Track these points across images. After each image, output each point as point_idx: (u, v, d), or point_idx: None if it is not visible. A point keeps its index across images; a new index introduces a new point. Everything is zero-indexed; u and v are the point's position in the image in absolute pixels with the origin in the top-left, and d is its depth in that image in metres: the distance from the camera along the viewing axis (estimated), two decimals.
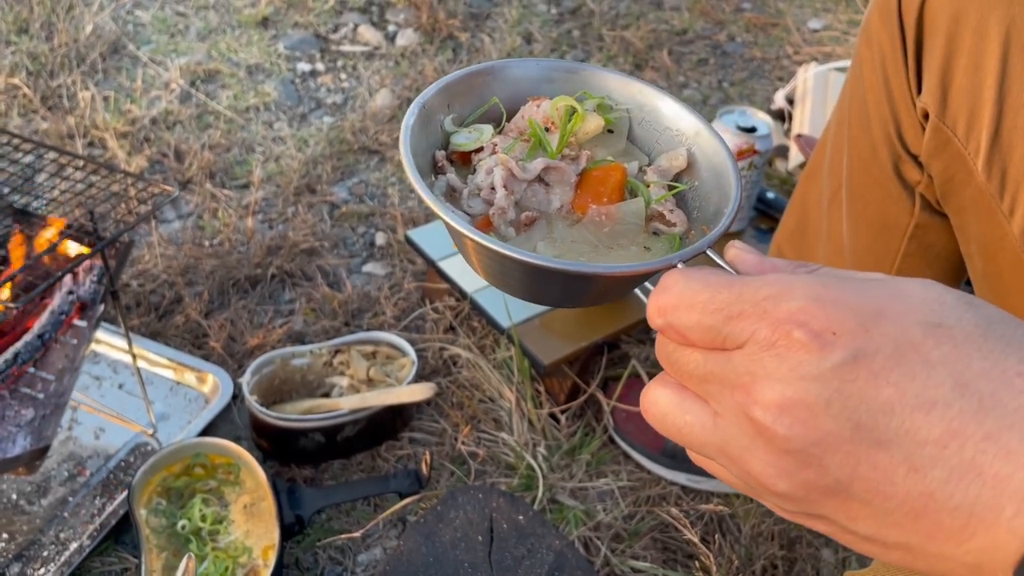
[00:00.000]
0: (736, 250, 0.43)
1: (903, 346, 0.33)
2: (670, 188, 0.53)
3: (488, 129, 0.55)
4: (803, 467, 0.34)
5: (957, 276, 1.02)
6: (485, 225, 0.51)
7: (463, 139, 0.55)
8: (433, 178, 0.53)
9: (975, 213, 0.86)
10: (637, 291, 1.28)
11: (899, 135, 0.91)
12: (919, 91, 0.87)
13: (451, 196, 0.53)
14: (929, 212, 0.95)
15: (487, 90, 0.56)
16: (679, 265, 0.43)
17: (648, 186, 0.53)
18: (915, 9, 0.84)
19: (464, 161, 0.55)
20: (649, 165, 0.55)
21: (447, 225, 0.47)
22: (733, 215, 0.49)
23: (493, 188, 0.51)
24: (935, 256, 0.98)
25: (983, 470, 0.32)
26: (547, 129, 0.54)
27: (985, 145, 0.80)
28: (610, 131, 0.55)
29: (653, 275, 0.44)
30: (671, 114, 0.56)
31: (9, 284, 0.97)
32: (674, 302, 0.38)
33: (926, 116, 0.86)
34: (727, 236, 0.47)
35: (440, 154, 0.55)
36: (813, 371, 0.33)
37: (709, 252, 0.45)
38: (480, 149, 0.54)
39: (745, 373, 0.35)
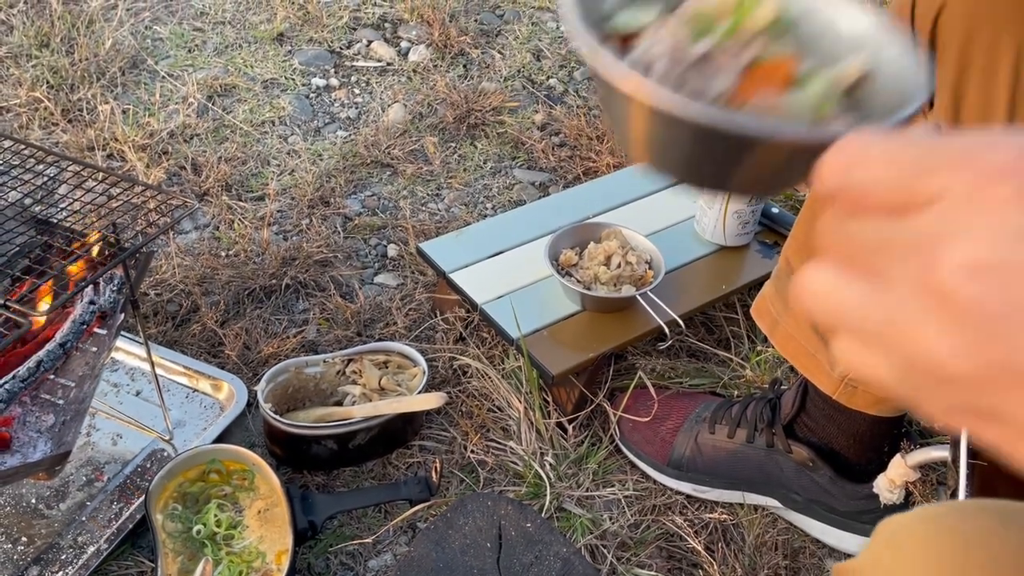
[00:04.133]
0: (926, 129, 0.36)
1: None
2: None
3: (654, 11, 0.49)
4: (991, 342, 0.28)
5: None
6: None
7: (625, 19, 0.49)
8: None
9: None
10: (643, 300, 1.30)
11: None
12: (931, 106, 0.89)
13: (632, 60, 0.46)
14: None
15: None
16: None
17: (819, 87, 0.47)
18: (928, 25, 0.86)
19: (626, 45, 0.48)
20: (822, 70, 0.48)
21: (602, 79, 0.41)
22: (929, 94, 0.42)
23: (660, 52, 0.45)
24: None
25: None
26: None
27: None
28: (784, 27, 0.49)
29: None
30: (850, 19, 0.49)
31: (32, 296, 1.00)
32: (858, 156, 0.32)
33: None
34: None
35: (595, 36, 0.47)
36: (1018, 230, 0.27)
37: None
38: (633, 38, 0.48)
39: (933, 235, 0.29)
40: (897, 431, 1.18)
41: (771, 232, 1.52)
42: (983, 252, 0.28)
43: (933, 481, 1.20)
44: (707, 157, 0.42)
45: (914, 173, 0.30)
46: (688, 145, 0.42)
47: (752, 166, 0.43)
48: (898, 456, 1.10)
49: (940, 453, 1.05)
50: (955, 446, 0.86)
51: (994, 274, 0.27)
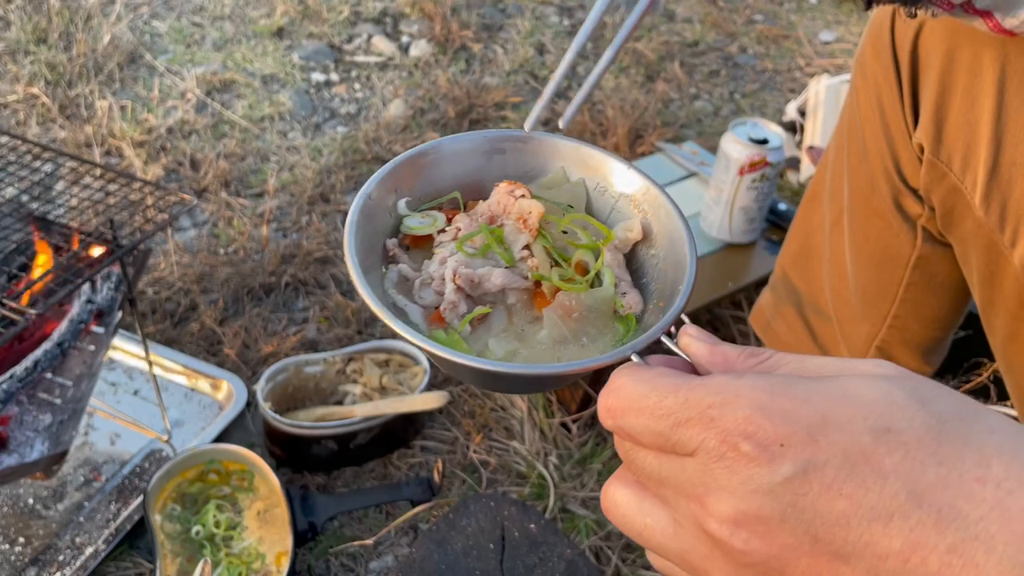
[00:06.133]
0: (689, 338, 0.42)
1: (853, 456, 0.32)
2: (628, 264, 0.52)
3: (441, 217, 0.53)
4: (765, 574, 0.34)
5: (962, 303, 1.01)
6: (438, 319, 0.49)
7: (416, 223, 0.53)
8: (384, 269, 0.51)
9: (976, 245, 0.85)
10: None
11: (898, 169, 0.91)
12: (915, 125, 0.87)
13: (404, 286, 0.51)
14: (932, 243, 0.95)
15: (436, 170, 0.54)
16: (633, 357, 0.43)
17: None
18: (908, 44, 0.84)
19: (417, 245, 0.53)
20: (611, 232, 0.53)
21: (390, 329, 0.45)
22: (687, 296, 0.47)
23: (445, 279, 0.50)
24: (939, 285, 0.98)
25: None
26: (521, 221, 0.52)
27: (983, 180, 0.80)
28: (570, 206, 0.54)
29: (607, 367, 0.43)
30: (624, 179, 0.54)
31: (28, 293, 0.98)
32: (623, 405, 0.38)
33: (922, 150, 0.86)
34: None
35: (391, 242, 0.52)
36: (765, 485, 0.33)
37: (663, 339, 0.44)
38: (440, 232, 0.52)
39: (699, 484, 0.35)
40: None
41: (778, 229, 1.51)
42: (742, 506, 0.33)
43: None
44: (495, 383, 0.50)
45: (671, 426, 0.35)
46: (472, 376, 0.47)
47: (535, 385, 0.53)
48: None
49: None
50: None
51: (753, 525, 0.33)
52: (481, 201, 0.54)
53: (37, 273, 1.04)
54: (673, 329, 0.44)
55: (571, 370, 0.44)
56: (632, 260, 0.53)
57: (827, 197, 1.04)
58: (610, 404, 0.38)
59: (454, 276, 0.49)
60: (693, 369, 0.42)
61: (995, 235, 0.81)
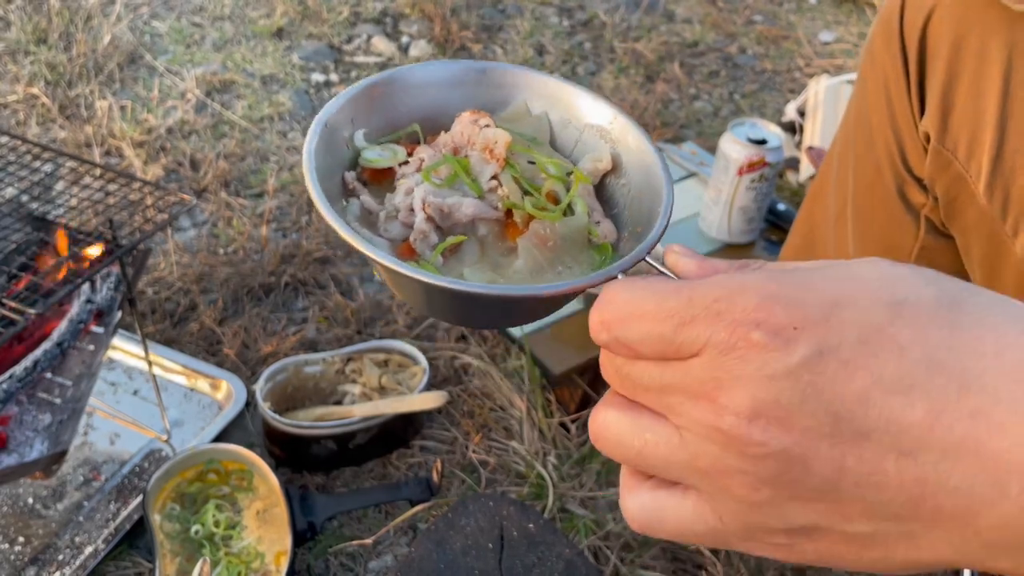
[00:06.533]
0: (675, 255, 0.41)
1: (868, 331, 0.32)
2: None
3: (401, 150, 0.51)
4: (786, 470, 0.32)
5: None
6: (407, 251, 0.47)
7: (374, 155, 0.50)
8: (345, 202, 0.49)
9: (978, 234, 0.86)
10: None
11: (903, 158, 0.92)
12: (922, 114, 0.87)
13: (367, 220, 0.49)
14: (935, 235, 0.95)
15: (395, 101, 0.52)
16: (620, 276, 0.41)
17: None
18: (917, 33, 0.85)
19: (376, 179, 0.51)
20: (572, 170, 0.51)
21: (363, 254, 0.43)
22: (667, 216, 0.45)
23: (412, 210, 0.47)
24: None
25: (978, 448, 0.30)
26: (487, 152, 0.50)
27: (986, 168, 0.80)
28: (534, 138, 0.52)
29: (592, 288, 0.41)
30: (590, 110, 0.52)
31: (41, 292, 0.99)
32: (620, 314, 0.36)
33: (928, 139, 0.87)
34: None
35: (350, 175, 0.50)
36: (781, 369, 0.31)
37: (648, 260, 0.43)
38: (403, 164, 0.50)
39: (709, 380, 0.33)
40: None
41: (777, 229, 1.51)
42: (759, 394, 0.31)
43: None
44: (473, 311, 0.47)
45: (675, 327, 0.33)
46: (449, 303, 0.45)
47: (515, 312, 0.48)
48: None
49: None
50: None
51: (772, 412, 0.32)
52: (443, 132, 0.51)
53: (37, 274, 1.04)
54: (660, 247, 0.43)
55: (557, 291, 0.41)
56: (602, 191, 0.51)
57: (832, 189, 1.05)
58: (604, 316, 0.36)
59: (423, 206, 0.47)
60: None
61: (997, 224, 0.81)
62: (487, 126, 0.50)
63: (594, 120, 0.52)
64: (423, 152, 0.50)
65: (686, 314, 0.33)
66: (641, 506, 0.37)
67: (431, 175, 0.48)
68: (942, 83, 0.83)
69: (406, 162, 0.50)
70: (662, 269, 0.42)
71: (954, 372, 0.31)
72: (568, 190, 0.49)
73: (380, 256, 0.42)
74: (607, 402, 0.38)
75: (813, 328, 0.32)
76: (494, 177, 0.49)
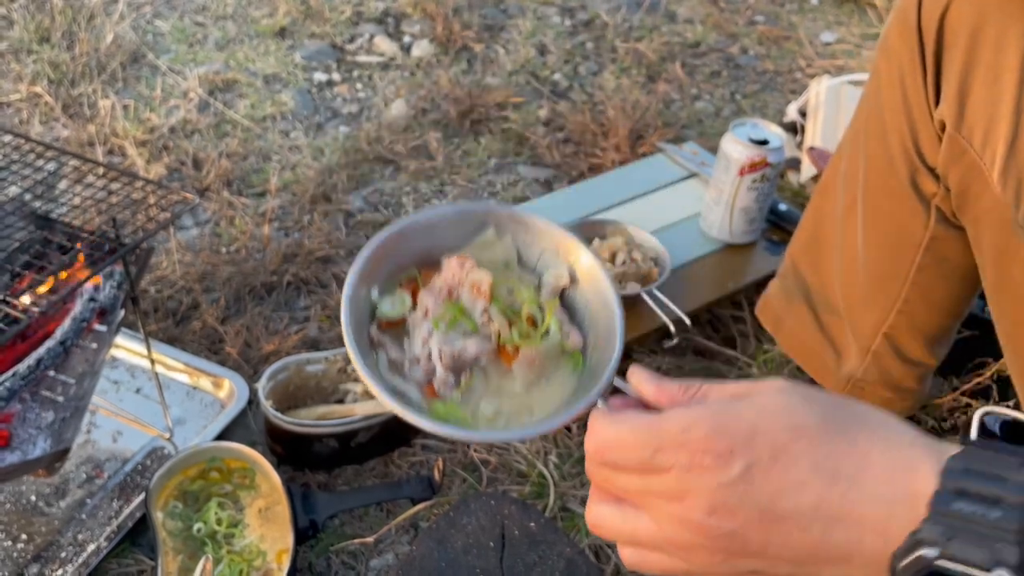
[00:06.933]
0: (637, 379, 0.55)
1: (776, 450, 0.47)
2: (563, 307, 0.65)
3: (408, 298, 0.64)
4: (733, 543, 0.48)
5: (971, 288, 1.02)
6: (431, 392, 0.60)
7: (388, 308, 0.63)
8: (375, 354, 0.62)
9: (989, 224, 0.86)
10: (648, 298, 1.29)
11: (916, 147, 0.92)
12: (937, 103, 0.88)
13: (395, 367, 0.62)
14: (945, 225, 0.95)
15: (396, 250, 0.64)
16: (599, 403, 0.55)
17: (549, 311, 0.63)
18: (935, 24, 0.85)
19: (392, 326, 0.63)
20: (539, 287, 0.65)
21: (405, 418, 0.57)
22: (622, 339, 0.59)
23: (430, 358, 0.61)
24: (950, 269, 0.99)
25: (847, 517, 0.46)
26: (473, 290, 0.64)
27: (1001, 156, 0.81)
28: (505, 264, 0.65)
29: (579, 418, 0.55)
30: (546, 232, 0.66)
31: (45, 291, 0.99)
32: (608, 446, 0.51)
33: (943, 128, 0.87)
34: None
35: (374, 331, 0.62)
36: (725, 481, 0.47)
37: (616, 381, 0.56)
38: (411, 311, 0.63)
39: (679, 489, 0.48)
40: None
41: (778, 229, 1.51)
42: (714, 500, 0.48)
43: None
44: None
45: (651, 453, 0.49)
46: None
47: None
48: None
49: None
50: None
51: (722, 510, 0.48)
52: (436, 275, 0.64)
53: (40, 272, 1.05)
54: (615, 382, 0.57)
55: (555, 426, 0.58)
56: (563, 300, 0.65)
57: (842, 183, 1.05)
58: (597, 447, 0.51)
59: (440, 356, 0.60)
60: (643, 402, 0.55)
61: (1010, 213, 0.81)
62: (471, 268, 0.63)
63: (548, 243, 0.66)
64: (426, 299, 0.63)
65: (658, 444, 0.49)
66: (631, 554, 0.53)
67: (439, 323, 0.62)
68: (959, 72, 0.84)
69: (414, 309, 0.63)
70: (627, 390, 0.56)
71: (832, 472, 0.47)
72: (540, 308, 0.63)
73: (420, 420, 0.56)
74: (597, 499, 0.53)
75: (742, 451, 0.47)
76: (484, 311, 0.62)
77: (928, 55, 0.87)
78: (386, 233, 0.64)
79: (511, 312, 0.63)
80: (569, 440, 1.28)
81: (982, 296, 1.07)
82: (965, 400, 1.28)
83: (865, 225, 1.02)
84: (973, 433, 0.86)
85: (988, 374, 1.23)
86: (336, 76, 2.06)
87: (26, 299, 1.00)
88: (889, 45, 0.93)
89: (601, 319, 0.62)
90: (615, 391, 0.56)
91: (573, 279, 0.65)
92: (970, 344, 1.20)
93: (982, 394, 1.27)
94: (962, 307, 1.05)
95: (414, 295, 0.64)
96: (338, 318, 1.44)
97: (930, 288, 1.01)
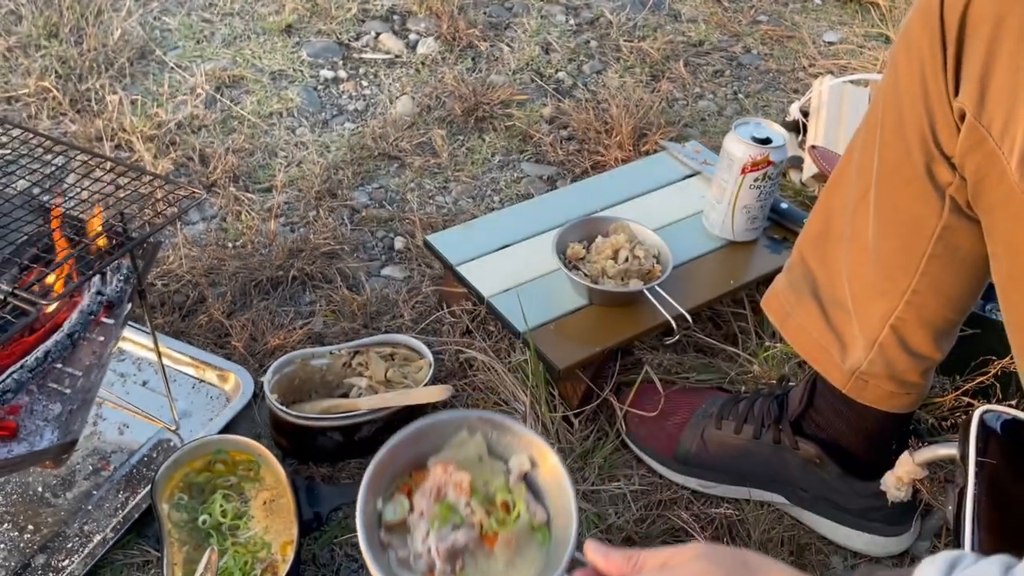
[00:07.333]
0: (591, 551, 0.73)
1: None
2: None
3: (406, 502, 0.82)
4: None
5: (979, 282, 1.02)
6: None
7: (391, 514, 0.82)
8: (386, 555, 0.80)
9: (1005, 213, 0.87)
10: (651, 294, 1.30)
11: (933, 136, 0.92)
12: (956, 93, 0.88)
13: (403, 564, 0.80)
14: (958, 215, 0.96)
15: (392, 462, 0.83)
16: None
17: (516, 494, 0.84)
18: (958, 12, 0.86)
19: (396, 528, 0.82)
20: (508, 471, 0.85)
21: None
22: (577, 519, 0.78)
23: (430, 552, 0.79)
24: (961, 260, 0.99)
25: None
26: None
27: (1020, 144, 0.81)
28: (479, 457, 0.85)
29: None
30: (510, 428, 0.86)
31: (53, 284, 1.00)
32: None
33: (962, 117, 0.88)
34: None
35: (383, 535, 0.81)
36: None
37: (577, 554, 0.75)
38: (409, 513, 0.82)
39: None
40: (905, 428, 1.17)
41: (780, 227, 1.52)
42: None
43: (941, 479, 1.19)
44: None
45: None
46: None
47: None
48: (906, 453, 1.09)
49: (949, 451, 1.04)
50: (964, 443, 0.86)
51: None
52: (426, 477, 0.83)
53: (48, 265, 1.06)
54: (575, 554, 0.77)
55: None
56: (527, 481, 0.84)
57: (854, 177, 1.05)
58: None
59: (438, 552, 0.78)
60: (598, 572, 0.73)
61: None
62: (453, 471, 0.83)
63: (511, 435, 0.86)
64: (421, 502, 0.82)
65: None
66: None
67: (435, 523, 0.80)
68: (981, 60, 0.84)
69: (412, 510, 0.82)
70: (585, 561, 0.74)
71: None
72: (510, 493, 0.83)
73: None
74: None
75: None
76: (467, 504, 0.81)
77: (949, 44, 0.88)
78: (384, 450, 0.82)
79: (487, 502, 0.82)
80: (571, 436, 1.29)
81: (984, 296, 1.08)
82: (967, 400, 1.29)
83: (878, 214, 1.02)
84: (973, 431, 0.87)
85: (991, 373, 1.23)
86: (342, 73, 2.07)
87: (34, 292, 1.01)
88: (910, 36, 0.93)
89: (559, 498, 0.82)
90: (575, 563, 0.75)
91: (533, 463, 0.84)
92: (973, 343, 1.20)
93: (983, 393, 1.27)
94: (969, 301, 1.05)
95: (409, 495, 0.83)
96: (342, 311, 1.46)
97: (940, 279, 1.01)
